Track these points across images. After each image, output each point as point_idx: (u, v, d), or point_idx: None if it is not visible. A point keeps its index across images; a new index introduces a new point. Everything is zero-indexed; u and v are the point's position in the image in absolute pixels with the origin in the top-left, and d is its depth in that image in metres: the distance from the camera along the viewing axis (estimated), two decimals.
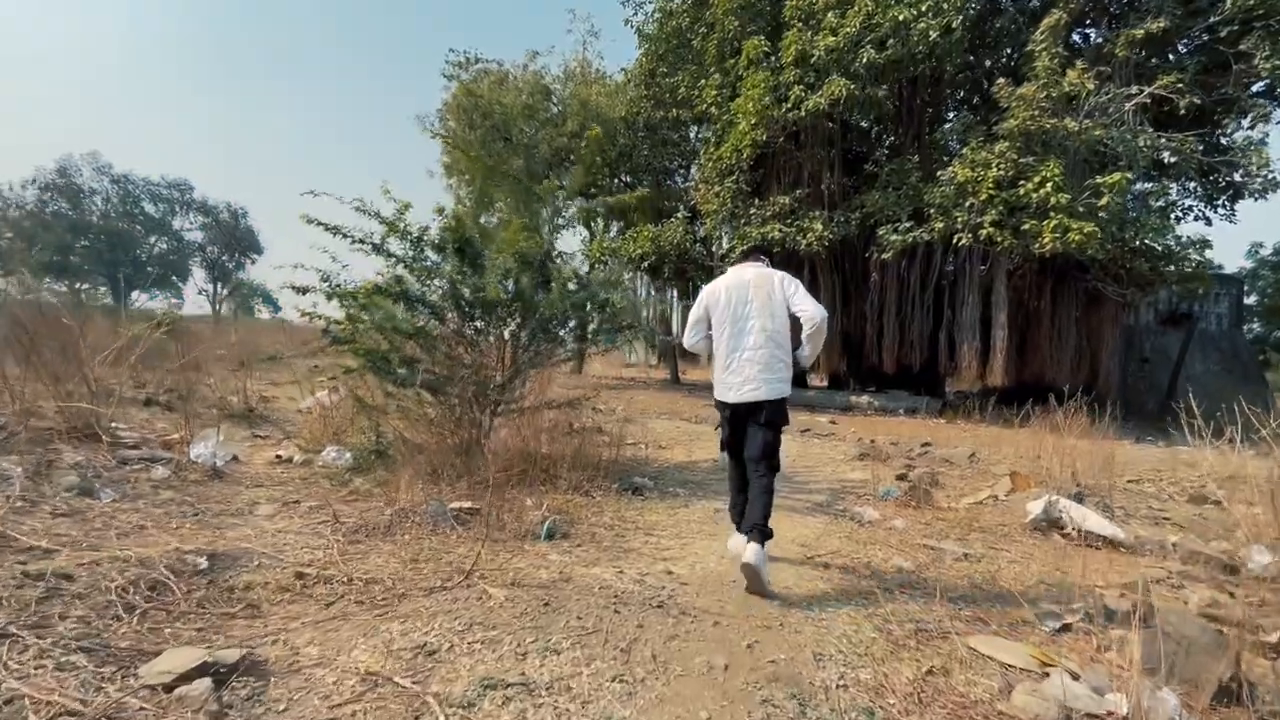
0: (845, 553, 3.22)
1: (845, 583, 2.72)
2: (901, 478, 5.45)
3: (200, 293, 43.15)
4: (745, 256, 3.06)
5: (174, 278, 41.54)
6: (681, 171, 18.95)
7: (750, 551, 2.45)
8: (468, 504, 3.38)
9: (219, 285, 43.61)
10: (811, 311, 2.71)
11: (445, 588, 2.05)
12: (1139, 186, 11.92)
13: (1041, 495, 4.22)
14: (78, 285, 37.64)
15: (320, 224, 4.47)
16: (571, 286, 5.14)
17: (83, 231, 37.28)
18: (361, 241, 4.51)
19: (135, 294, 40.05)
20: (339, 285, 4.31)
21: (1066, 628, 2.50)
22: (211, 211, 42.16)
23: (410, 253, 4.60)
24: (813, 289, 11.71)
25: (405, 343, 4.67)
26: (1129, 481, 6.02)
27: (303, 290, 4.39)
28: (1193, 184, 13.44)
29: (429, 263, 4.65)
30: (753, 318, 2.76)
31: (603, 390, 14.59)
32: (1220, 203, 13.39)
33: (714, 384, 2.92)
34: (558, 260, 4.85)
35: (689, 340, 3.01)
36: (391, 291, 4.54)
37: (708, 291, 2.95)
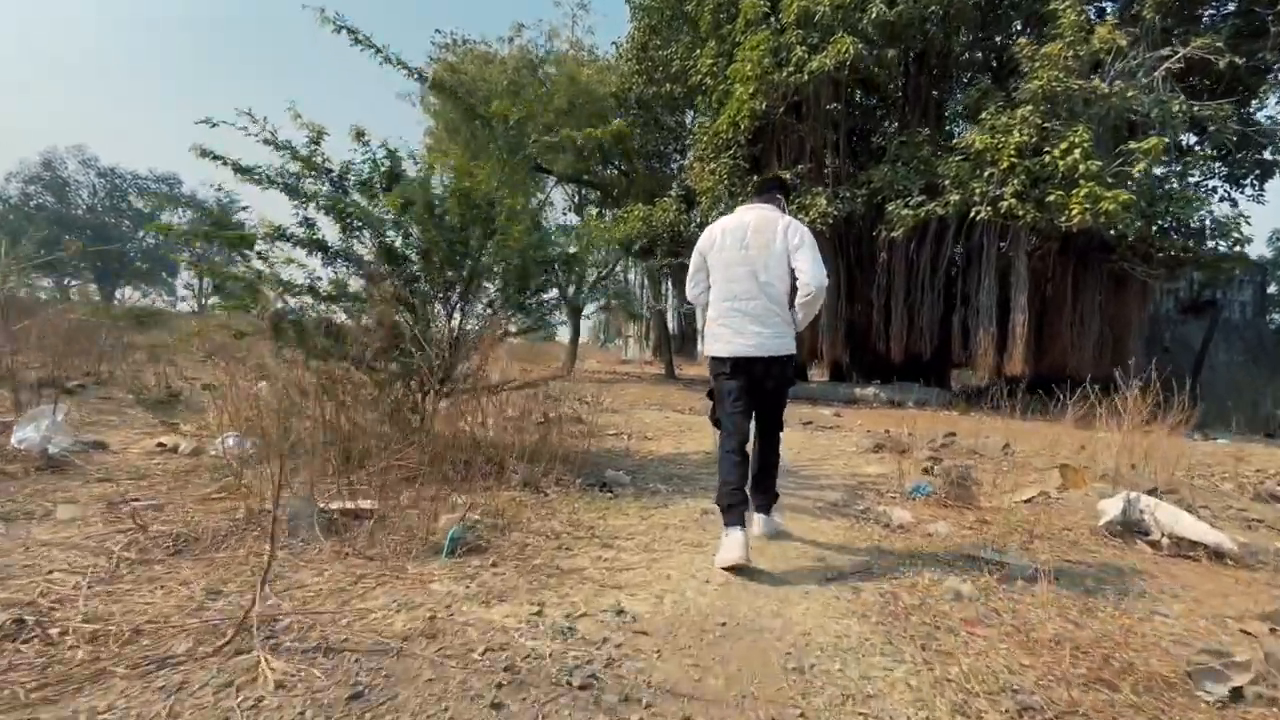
0: (879, 571, 2.34)
1: (889, 621, 1.84)
2: (927, 471, 4.58)
3: (187, 287, 42.06)
4: (759, 192, 2.76)
5: (164, 273, 40.36)
6: (676, 156, 18.09)
7: (759, 522, 2.61)
8: (367, 503, 2.50)
9: (204, 280, 42.53)
10: (810, 275, 2.41)
11: (193, 656, 1.17)
12: (1158, 170, 11.08)
13: (1117, 492, 3.34)
14: (66, 281, 36.46)
15: (216, 157, 3.56)
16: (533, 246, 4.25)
17: (68, 226, 36.11)
18: (271, 181, 3.60)
19: (128, 290, 38.90)
20: (228, 229, 3.41)
21: (1238, 694, 1.63)
22: (201, 206, 40.98)
23: (328, 191, 3.70)
24: None
25: (325, 305, 3.80)
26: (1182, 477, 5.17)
27: (188, 239, 3.50)
28: (1218, 164, 12.61)
29: (352, 207, 3.74)
30: (745, 265, 2.50)
31: (592, 383, 13.73)
32: (1248, 182, 12.55)
33: (705, 339, 2.64)
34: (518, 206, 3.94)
35: (691, 291, 2.75)
36: (301, 239, 3.65)
37: (705, 234, 2.69)
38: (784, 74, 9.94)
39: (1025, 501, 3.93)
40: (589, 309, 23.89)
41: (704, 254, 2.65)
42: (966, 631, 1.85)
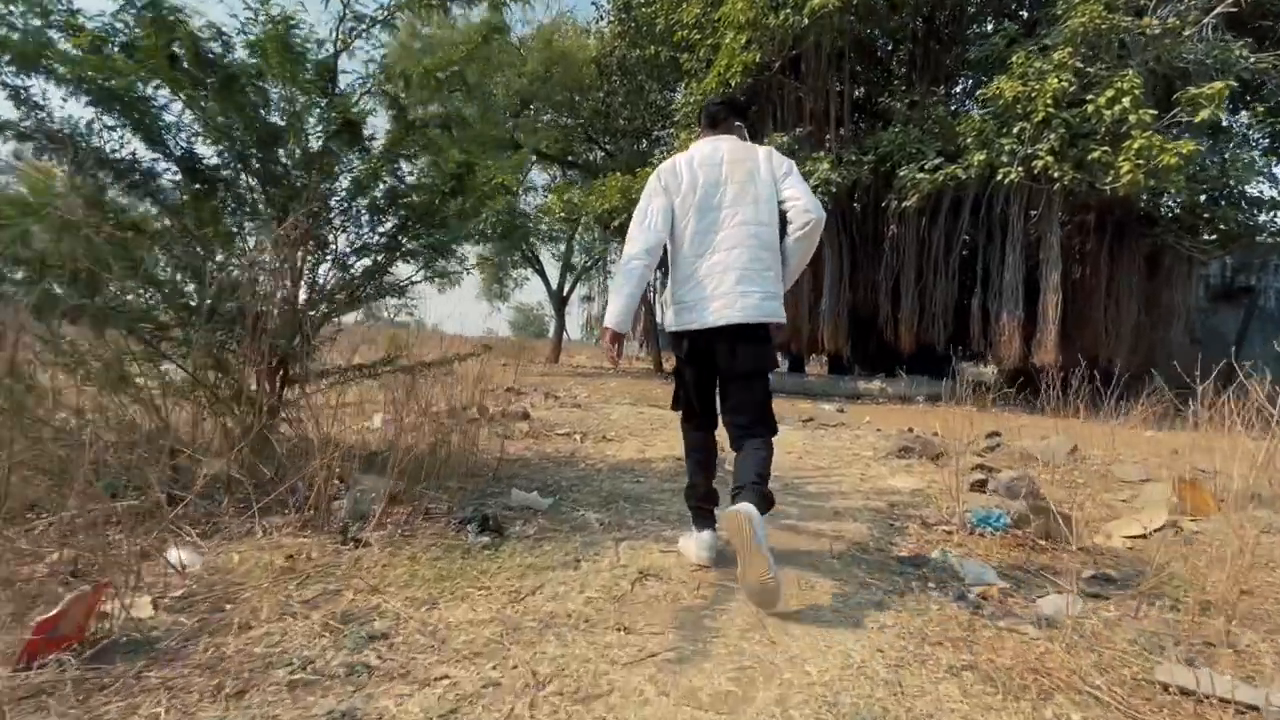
0: None
1: None
2: (980, 486, 3.27)
3: None
4: (713, 123, 2.07)
5: None
6: (662, 135, 16.80)
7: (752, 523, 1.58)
8: None
9: None
10: (807, 202, 1.89)
11: None
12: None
13: None
14: None
15: None
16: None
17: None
18: None
19: None
20: None
21: None
22: None
23: (81, 55, 2.31)
24: (816, 256, 9.12)
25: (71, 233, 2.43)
26: None
27: None
28: (1260, 135, 11.40)
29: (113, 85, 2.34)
30: (728, 206, 1.90)
31: (573, 377, 12.40)
32: None
33: (670, 309, 2.01)
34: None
35: (642, 239, 1.92)
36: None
37: (666, 169, 1.96)
38: (781, 17, 8.60)
39: (1142, 537, 2.62)
40: (573, 301, 22.64)
41: (669, 192, 1.92)
42: None
